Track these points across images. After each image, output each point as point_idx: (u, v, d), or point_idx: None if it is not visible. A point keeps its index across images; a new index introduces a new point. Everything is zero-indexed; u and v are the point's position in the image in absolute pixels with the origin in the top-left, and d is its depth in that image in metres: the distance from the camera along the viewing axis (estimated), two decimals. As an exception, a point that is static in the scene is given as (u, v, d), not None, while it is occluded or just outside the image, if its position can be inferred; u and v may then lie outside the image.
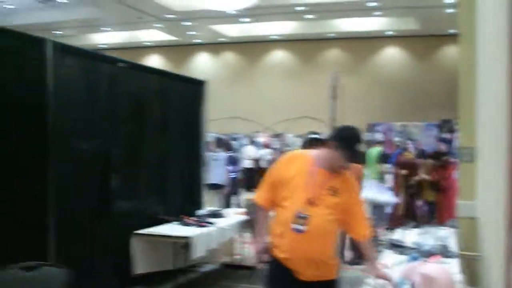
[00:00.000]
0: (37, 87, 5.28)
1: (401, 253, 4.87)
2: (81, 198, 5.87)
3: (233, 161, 13.26)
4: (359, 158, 3.84)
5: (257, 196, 4.02)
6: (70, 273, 3.88)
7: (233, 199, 12.96)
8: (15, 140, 5.00)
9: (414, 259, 4.49)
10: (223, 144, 13.48)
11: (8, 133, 4.93)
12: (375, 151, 12.07)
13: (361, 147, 3.77)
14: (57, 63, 5.42)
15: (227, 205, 11.90)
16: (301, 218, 3.63)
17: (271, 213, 3.97)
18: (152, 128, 7.25)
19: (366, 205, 9.84)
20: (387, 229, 9.47)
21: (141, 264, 6.51)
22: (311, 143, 6.11)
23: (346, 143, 3.64)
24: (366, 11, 21.56)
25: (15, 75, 5.11)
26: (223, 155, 12.47)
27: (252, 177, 19.28)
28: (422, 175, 10.55)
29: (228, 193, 12.46)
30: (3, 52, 5.01)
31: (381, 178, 11.32)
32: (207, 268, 8.08)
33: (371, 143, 13.41)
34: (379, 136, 18.05)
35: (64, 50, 5.64)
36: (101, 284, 6.03)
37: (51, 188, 5.33)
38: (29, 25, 18.27)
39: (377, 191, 9.59)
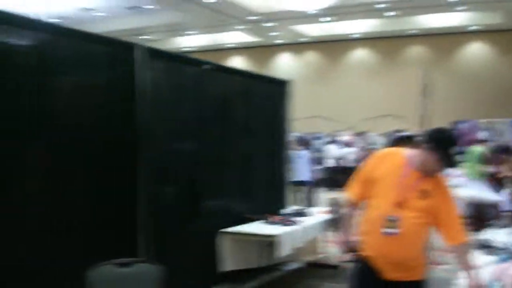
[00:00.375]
0: (127, 90, 5.45)
1: (490, 253, 4.77)
2: (169, 197, 6.04)
3: (314, 159, 13.37)
4: (454, 161, 3.74)
5: (347, 192, 4.02)
6: (162, 270, 3.99)
7: (314, 197, 13.04)
8: (106, 143, 5.20)
9: (504, 260, 4.39)
10: (304, 142, 13.59)
11: (100, 136, 5.13)
12: (476, 150, 11.73)
13: (456, 151, 3.68)
14: (146, 66, 5.58)
15: (310, 202, 12.06)
16: (390, 221, 3.60)
17: (358, 211, 3.97)
18: (237, 128, 7.35)
19: (466, 205, 9.69)
20: (475, 229, 9.25)
21: (227, 262, 6.61)
22: (399, 141, 6.04)
23: (442, 146, 3.57)
24: (448, 6, 21.07)
25: (106, 80, 5.33)
26: (305, 153, 12.57)
27: (335, 176, 19.21)
28: (505, 172, 10.23)
29: (310, 190, 12.59)
30: (96, 57, 5.21)
31: (481, 177, 11.01)
32: (292, 266, 8.10)
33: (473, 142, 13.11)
34: (482, 135, 17.48)
35: (153, 54, 5.79)
36: (189, 281, 6.17)
37: (141, 188, 5.51)
38: (117, 31, 18.87)
39: (480, 189, 9.39)
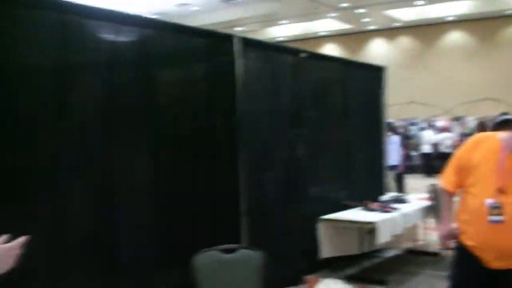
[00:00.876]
0: (227, 80, 5.61)
1: None
2: (270, 184, 6.16)
3: (405, 145, 13.42)
4: None
5: (442, 180, 3.96)
6: (265, 256, 4.08)
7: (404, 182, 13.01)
8: (208, 132, 5.39)
9: None
10: (392, 128, 13.55)
11: (202, 126, 5.32)
12: None
13: None
14: (244, 56, 5.71)
15: (400, 187, 12.14)
16: (494, 208, 3.49)
17: (455, 199, 3.91)
18: (334, 115, 7.40)
19: None
20: None
21: (327, 248, 6.67)
22: (501, 124, 5.85)
23: None
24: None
25: (207, 71, 5.50)
26: (396, 138, 12.56)
27: (431, 162, 18.88)
28: None
29: (399, 173, 12.59)
30: (196, 50, 5.40)
31: None
32: (391, 253, 8.08)
33: None
34: None
35: (250, 44, 5.92)
36: (290, 267, 6.27)
37: (242, 175, 5.65)
38: (212, 24, 19.17)
39: None
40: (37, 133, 3.91)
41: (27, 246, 2.19)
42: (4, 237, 2.18)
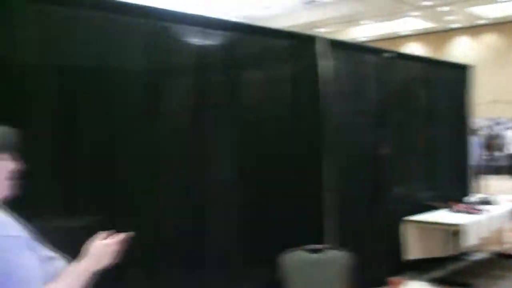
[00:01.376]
0: (311, 81, 5.65)
1: None
2: (354, 186, 6.15)
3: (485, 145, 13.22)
4: None
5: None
6: (350, 256, 4.10)
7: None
8: (293, 133, 5.44)
9: None
10: (471, 129, 13.33)
11: (287, 126, 5.39)
12: None
13: None
14: (328, 57, 5.73)
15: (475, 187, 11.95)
16: None
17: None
18: (418, 115, 7.32)
19: None
20: None
21: (411, 250, 6.61)
22: None
23: None
24: None
25: (291, 72, 5.55)
26: (474, 139, 12.34)
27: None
28: None
29: (476, 175, 12.37)
30: (280, 52, 5.47)
31: None
32: (477, 256, 7.91)
33: None
34: None
35: (333, 45, 5.93)
36: (374, 268, 6.24)
37: (326, 175, 5.67)
38: (293, 26, 19.23)
39: None
40: (133, 136, 4.08)
41: (126, 243, 2.29)
42: (104, 233, 2.28)
